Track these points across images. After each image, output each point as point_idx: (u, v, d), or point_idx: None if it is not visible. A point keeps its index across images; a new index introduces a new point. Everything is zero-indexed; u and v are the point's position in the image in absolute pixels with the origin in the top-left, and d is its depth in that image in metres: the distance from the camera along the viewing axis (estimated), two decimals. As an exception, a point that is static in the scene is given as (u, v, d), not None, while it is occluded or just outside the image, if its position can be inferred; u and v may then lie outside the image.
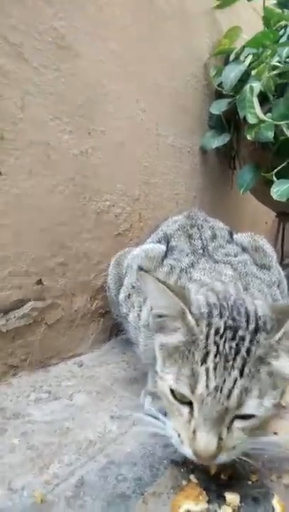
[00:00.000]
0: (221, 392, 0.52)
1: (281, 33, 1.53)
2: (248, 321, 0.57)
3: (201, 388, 0.53)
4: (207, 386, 0.53)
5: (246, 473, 0.61)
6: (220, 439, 0.53)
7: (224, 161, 1.86)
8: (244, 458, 0.57)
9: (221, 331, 0.55)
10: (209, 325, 0.56)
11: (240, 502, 0.56)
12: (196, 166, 1.69)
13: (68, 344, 1.10)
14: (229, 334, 0.55)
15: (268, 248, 0.88)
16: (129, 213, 1.33)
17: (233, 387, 0.52)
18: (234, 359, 0.53)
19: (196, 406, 0.54)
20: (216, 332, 0.55)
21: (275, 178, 1.36)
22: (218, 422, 0.52)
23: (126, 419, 0.79)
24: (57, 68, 1.03)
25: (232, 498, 0.56)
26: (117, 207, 1.28)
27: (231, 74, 1.54)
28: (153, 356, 0.71)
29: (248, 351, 0.54)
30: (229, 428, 0.54)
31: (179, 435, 0.57)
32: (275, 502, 0.54)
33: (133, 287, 0.86)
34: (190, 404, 0.55)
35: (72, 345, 1.11)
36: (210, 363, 0.53)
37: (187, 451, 0.55)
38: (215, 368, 0.53)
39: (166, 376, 0.57)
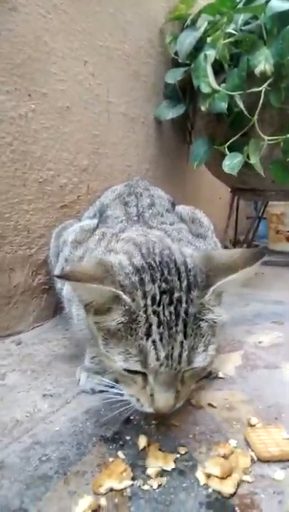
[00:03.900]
0: (171, 359, 0.53)
1: (239, 0, 1.47)
2: (180, 278, 0.56)
3: (152, 361, 0.53)
4: (157, 358, 0.54)
5: (175, 447, 0.59)
6: (176, 392, 0.56)
7: (180, 132, 1.81)
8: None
9: (158, 298, 0.55)
10: (144, 295, 0.55)
11: (167, 476, 0.54)
12: (150, 137, 1.63)
13: (6, 322, 1.03)
14: (166, 299, 0.55)
15: (205, 220, 0.88)
16: (76, 184, 1.26)
17: (181, 351, 0.54)
18: (176, 324, 0.54)
19: (150, 376, 0.55)
20: (153, 301, 0.55)
21: (227, 151, 1.33)
22: (173, 382, 0.55)
23: (59, 397, 0.75)
24: (-13, 18, 0.93)
25: (157, 472, 0.54)
26: (62, 177, 1.20)
27: (186, 41, 1.47)
28: (87, 328, 0.68)
29: (186, 312, 0.55)
30: (182, 381, 0.57)
31: (137, 399, 0.58)
32: (199, 473, 0.53)
33: (66, 260, 0.81)
34: (143, 373, 0.56)
35: (10, 322, 1.05)
36: (155, 335, 0.53)
37: (148, 410, 0.58)
38: (161, 339, 0.53)
39: (114, 357, 0.56)
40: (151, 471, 0.54)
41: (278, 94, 1.27)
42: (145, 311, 0.54)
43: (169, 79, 1.59)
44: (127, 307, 0.54)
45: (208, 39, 1.43)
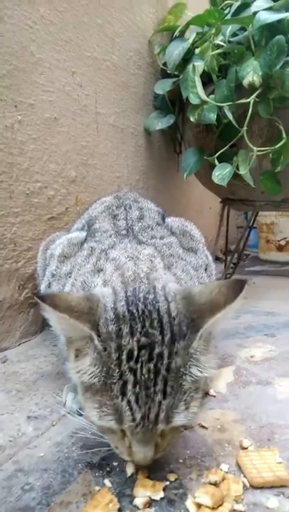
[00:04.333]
0: (148, 420, 0.50)
1: (227, 11, 1.48)
2: (162, 331, 0.51)
3: (127, 422, 0.50)
4: (133, 419, 0.49)
5: (164, 473, 0.57)
6: (156, 446, 0.53)
7: (170, 143, 1.81)
8: None
9: (135, 353, 0.50)
10: (119, 348, 0.50)
11: (155, 506, 0.51)
12: (139, 148, 1.62)
13: (-9, 338, 1.01)
14: (145, 355, 0.50)
15: (196, 233, 0.86)
16: (64, 196, 1.24)
17: (159, 412, 0.50)
18: (155, 383, 0.49)
19: (127, 432, 0.52)
20: (130, 357, 0.49)
21: (216, 162, 1.32)
22: (151, 438, 0.52)
23: (45, 419, 0.72)
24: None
25: (145, 502, 0.51)
26: (50, 188, 1.18)
27: (175, 52, 1.47)
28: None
29: (168, 368, 0.50)
30: (162, 435, 0.53)
31: (116, 447, 0.56)
32: (190, 503, 0.50)
33: (53, 275, 0.79)
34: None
35: (-5, 339, 1.02)
36: (130, 396, 0.49)
37: (127, 459, 0.55)
38: (137, 400, 0.49)
39: (89, 412, 0.53)
40: (139, 501, 0.51)
41: (267, 105, 1.27)
42: (119, 367, 0.49)
43: (158, 89, 1.59)
44: (97, 355, 0.50)
45: (197, 50, 1.43)
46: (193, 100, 1.32)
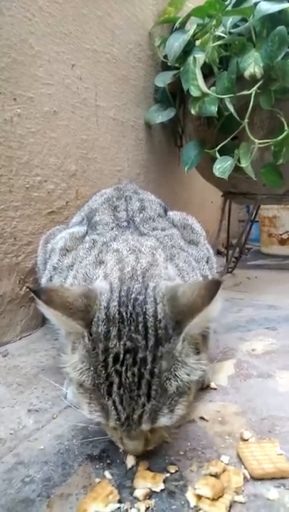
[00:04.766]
0: (132, 420, 0.51)
1: (228, 2, 1.46)
2: (146, 336, 0.51)
3: (112, 421, 0.52)
4: (118, 419, 0.51)
5: (164, 465, 0.57)
6: (146, 440, 0.55)
7: (170, 136, 1.80)
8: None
9: (121, 357, 0.51)
10: (107, 351, 0.51)
11: (155, 497, 0.51)
12: (140, 142, 1.61)
13: (-8, 332, 1.01)
14: (130, 359, 0.51)
15: (197, 227, 0.86)
16: (65, 190, 1.23)
17: (142, 414, 0.51)
18: (139, 387, 0.50)
19: (117, 427, 0.54)
20: (116, 360, 0.51)
21: (218, 155, 1.31)
22: (139, 435, 0.54)
23: (45, 412, 0.72)
24: None
25: (146, 493, 0.51)
26: (50, 182, 1.18)
27: (175, 44, 1.46)
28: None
29: (152, 373, 0.51)
30: (152, 430, 0.54)
31: (111, 435, 0.58)
32: (190, 494, 0.50)
33: (55, 269, 0.79)
34: None
35: (-4, 333, 1.02)
36: (115, 397, 0.51)
37: (121, 447, 0.57)
38: (121, 401, 0.51)
39: (82, 405, 0.55)
40: (139, 492, 0.51)
41: (268, 97, 1.26)
42: (106, 368, 0.51)
43: (159, 82, 1.57)
44: (86, 352, 0.52)
45: (197, 42, 1.42)
46: (194, 93, 1.31)
